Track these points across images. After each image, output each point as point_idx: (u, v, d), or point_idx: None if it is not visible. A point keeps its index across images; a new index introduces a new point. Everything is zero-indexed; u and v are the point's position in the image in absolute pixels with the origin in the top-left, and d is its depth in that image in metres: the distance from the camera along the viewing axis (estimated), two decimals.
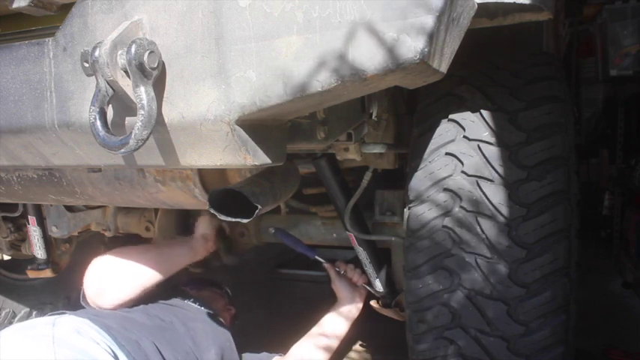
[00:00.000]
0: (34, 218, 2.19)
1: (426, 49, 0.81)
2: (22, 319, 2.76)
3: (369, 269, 1.85)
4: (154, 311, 1.67)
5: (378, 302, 1.94)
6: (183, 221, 2.23)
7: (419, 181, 1.39)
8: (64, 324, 1.40)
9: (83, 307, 1.69)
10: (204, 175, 1.48)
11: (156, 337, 1.52)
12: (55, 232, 2.16)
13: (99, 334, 1.40)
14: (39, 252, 2.27)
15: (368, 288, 1.94)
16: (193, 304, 1.81)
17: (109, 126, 0.96)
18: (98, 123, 0.94)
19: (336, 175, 1.69)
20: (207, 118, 0.94)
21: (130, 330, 1.48)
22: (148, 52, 0.91)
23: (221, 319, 1.80)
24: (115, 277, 1.66)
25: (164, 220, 2.13)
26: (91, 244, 2.53)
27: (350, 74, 0.85)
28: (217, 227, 2.00)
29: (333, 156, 1.62)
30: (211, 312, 1.82)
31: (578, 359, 1.47)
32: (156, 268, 1.71)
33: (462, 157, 1.34)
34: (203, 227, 1.96)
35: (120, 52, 0.92)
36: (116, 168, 1.39)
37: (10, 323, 2.73)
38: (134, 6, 0.97)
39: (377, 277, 1.86)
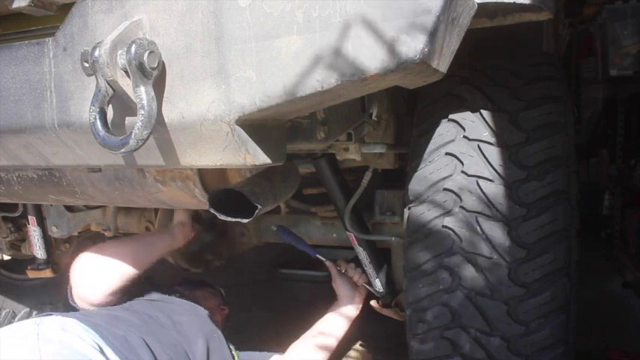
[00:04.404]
0: (34, 218, 2.19)
1: (426, 49, 0.81)
2: (22, 319, 2.75)
3: (369, 269, 1.85)
4: (140, 307, 1.69)
5: (378, 302, 1.94)
6: None
7: (419, 181, 1.39)
8: (49, 323, 1.40)
9: (74, 308, 1.71)
10: (204, 175, 1.48)
11: (142, 331, 1.53)
12: (55, 232, 2.16)
13: (85, 331, 1.40)
14: (39, 252, 2.27)
15: (368, 288, 1.94)
16: (179, 299, 1.83)
17: (109, 126, 0.96)
18: (98, 123, 0.94)
19: (336, 175, 1.68)
20: (207, 118, 0.94)
21: (116, 326, 1.50)
22: (147, 52, 0.91)
23: (208, 313, 1.81)
24: (99, 270, 1.70)
25: (164, 220, 2.13)
26: (91, 244, 2.53)
27: (350, 74, 0.85)
28: (193, 212, 2.03)
29: (333, 156, 1.62)
30: (198, 306, 1.83)
31: (578, 359, 1.47)
32: (137, 257, 1.75)
33: (462, 157, 1.34)
34: (179, 215, 2.00)
35: (120, 52, 0.92)
36: (116, 168, 1.39)
37: (10, 323, 2.73)
38: (134, 6, 0.97)
39: (377, 277, 1.86)
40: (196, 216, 2.05)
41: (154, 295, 1.80)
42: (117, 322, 1.53)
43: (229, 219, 1.27)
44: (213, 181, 1.52)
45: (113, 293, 1.69)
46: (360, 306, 1.98)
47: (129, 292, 1.73)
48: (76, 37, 1.02)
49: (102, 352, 1.36)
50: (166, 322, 1.65)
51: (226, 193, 1.28)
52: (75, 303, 1.71)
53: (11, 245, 2.49)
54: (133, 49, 0.89)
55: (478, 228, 1.30)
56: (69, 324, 1.42)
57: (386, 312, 1.93)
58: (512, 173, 1.30)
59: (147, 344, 1.49)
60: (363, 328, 2.15)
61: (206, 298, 2.02)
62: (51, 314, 1.51)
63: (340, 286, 1.98)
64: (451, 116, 1.39)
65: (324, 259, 2.00)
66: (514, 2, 1.11)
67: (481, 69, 1.45)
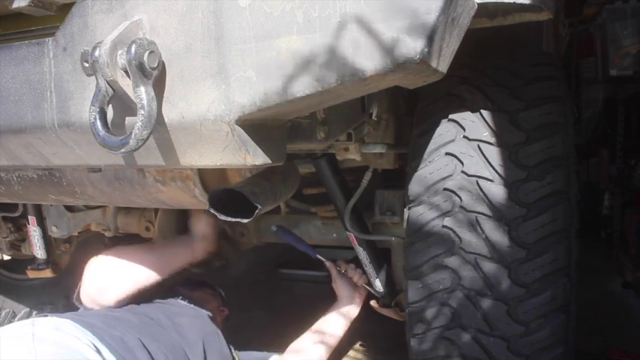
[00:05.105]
0: (34, 218, 2.19)
1: (426, 49, 0.81)
2: (22, 319, 2.75)
3: (369, 269, 1.85)
4: (140, 308, 1.69)
5: (377, 302, 1.94)
6: (183, 221, 2.23)
7: (419, 181, 1.39)
8: (45, 323, 1.41)
9: (75, 307, 1.72)
10: (204, 175, 1.48)
11: (141, 332, 1.53)
12: (55, 232, 2.16)
13: (80, 331, 1.40)
14: (39, 252, 2.27)
15: (368, 288, 1.94)
16: (180, 301, 1.83)
17: (109, 126, 0.96)
18: (98, 123, 0.94)
19: (336, 175, 1.69)
20: (207, 118, 0.94)
21: (113, 327, 1.50)
22: (148, 52, 0.91)
23: (209, 315, 1.82)
24: (114, 274, 1.70)
25: (164, 220, 2.13)
26: (91, 244, 2.53)
27: (350, 74, 0.85)
28: (219, 227, 2.00)
29: (333, 156, 1.62)
30: (199, 308, 1.83)
31: (578, 359, 1.47)
32: (155, 267, 1.74)
33: (462, 157, 1.34)
34: (200, 226, 1.96)
35: (120, 52, 0.92)
36: (116, 168, 1.39)
37: (10, 323, 2.73)
38: (134, 6, 0.97)
39: (377, 277, 1.86)
40: (222, 230, 2.03)
41: (156, 296, 1.80)
42: (115, 322, 1.53)
43: (229, 219, 1.27)
44: (213, 181, 1.52)
45: (125, 298, 1.69)
46: (360, 306, 1.98)
47: (139, 297, 1.73)
48: (76, 37, 1.02)
49: (98, 351, 1.36)
50: (166, 323, 1.65)
51: (226, 193, 1.28)
52: (80, 301, 1.71)
53: (11, 245, 2.49)
54: (133, 49, 0.89)
55: (478, 228, 1.30)
56: (64, 324, 1.42)
57: (386, 312, 1.93)
58: (512, 173, 1.30)
59: (144, 345, 1.49)
60: (362, 328, 2.15)
61: (206, 299, 2.02)
62: (46, 315, 1.52)
63: (340, 287, 1.98)
64: (451, 116, 1.39)
65: (324, 259, 2.00)
66: (514, 2, 1.11)
67: (481, 69, 1.45)
